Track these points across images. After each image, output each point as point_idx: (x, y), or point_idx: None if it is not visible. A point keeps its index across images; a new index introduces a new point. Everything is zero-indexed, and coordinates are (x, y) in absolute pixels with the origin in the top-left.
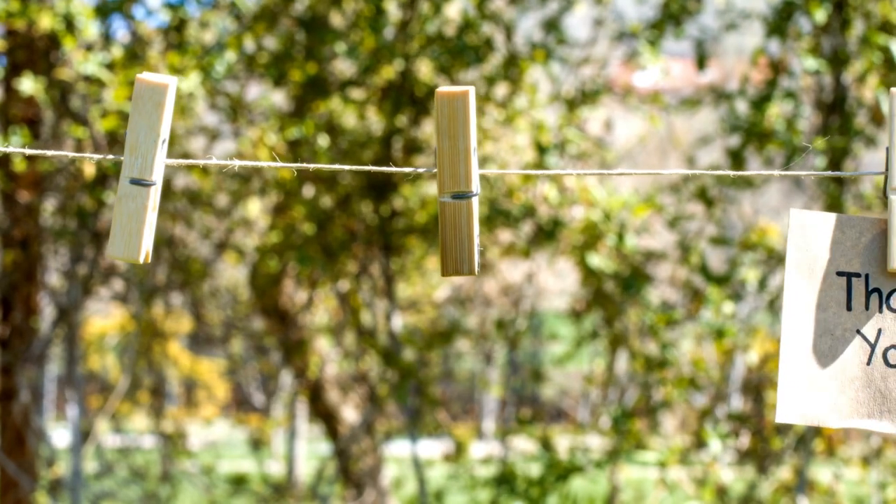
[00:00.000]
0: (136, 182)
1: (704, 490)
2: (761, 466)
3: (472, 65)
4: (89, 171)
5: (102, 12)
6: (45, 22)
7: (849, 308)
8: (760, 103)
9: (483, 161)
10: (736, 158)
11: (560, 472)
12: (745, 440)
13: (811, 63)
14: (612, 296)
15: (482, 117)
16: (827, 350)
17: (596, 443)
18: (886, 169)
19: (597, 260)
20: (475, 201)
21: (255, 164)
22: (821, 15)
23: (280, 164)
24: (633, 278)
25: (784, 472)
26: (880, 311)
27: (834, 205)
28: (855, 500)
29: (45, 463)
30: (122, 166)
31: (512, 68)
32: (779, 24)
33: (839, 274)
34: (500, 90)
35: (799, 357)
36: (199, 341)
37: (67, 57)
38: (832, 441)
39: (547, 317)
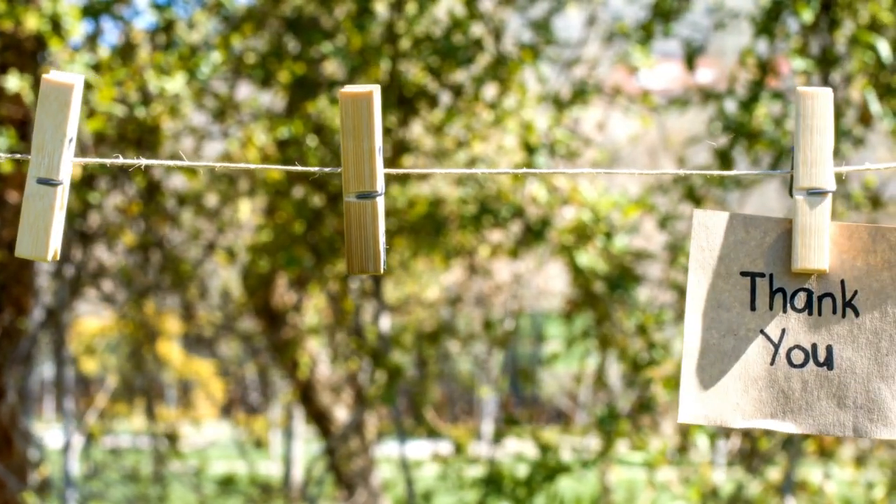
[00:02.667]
0: (43, 181)
1: (691, 490)
2: (750, 467)
3: (461, 65)
4: (75, 171)
5: (90, 13)
6: (32, 22)
7: (752, 308)
8: (748, 104)
9: (472, 161)
10: (724, 158)
11: (547, 472)
12: (735, 441)
13: (798, 63)
14: (601, 296)
15: (471, 117)
16: (730, 350)
17: (594, 443)
18: (792, 168)
19: (585, 259)
20: (380, 201)
21: (168, 163)
22: (807, 14)
23: (188, 163)
24: (622, 278)
25: (774, 473)
26: (784, 311)
27: None
28: (844, 501)
29: (33, 464)
30: (28, 166)
31: (501, 68)
32: (767, 24)
33: (743, 274)
34: (490, 91)
35: (702, 357)
36: (195, 342)
37: (53, 58)
38: (823, 442)
39: (544, 317)
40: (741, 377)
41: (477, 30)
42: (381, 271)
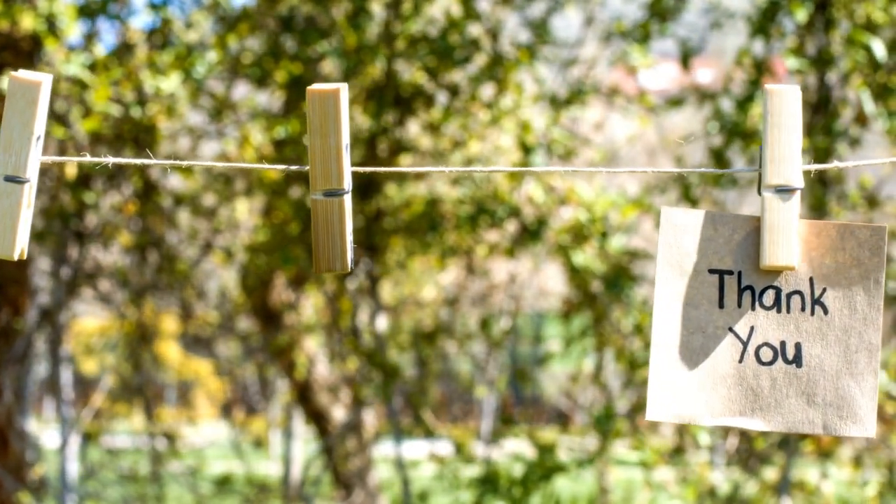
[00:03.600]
0: (11, 179)
1: (688, 490)
2: (746, 466)
3: (457, 65)
4: (71, 171)
5: (86, 13)
6: (27, 22)
7: (721, 306)
8: (743, 103)
9: (469, 161)
10: (719, 158)
11: (543, 471)
12: (733, 441)
13: (793, 62)
14: (599, 296)
15: (468, 117)
16: (698, 348)
17: (594, 443)
18: (760, 166)
19: (582, 258)
20: (347, 199)
21: (125, 160)
22: (801, 14)
23: (154, 160)
24: (619, 278)
25: (771, 473)
26: (753, 308)
27: (818, 205)
28: (841, 501)
29: (30, 464)
30: None
31: (497, 68)
32: (763, 24)
33: (711, 271)
34: (487, 90)
35: (670, 355)
36: (195, 342)
37: (49, 58)
38: (821, 441)
39: (543, 317)
40: (710, 375)
41: (474, 30)
42: (349, 270)
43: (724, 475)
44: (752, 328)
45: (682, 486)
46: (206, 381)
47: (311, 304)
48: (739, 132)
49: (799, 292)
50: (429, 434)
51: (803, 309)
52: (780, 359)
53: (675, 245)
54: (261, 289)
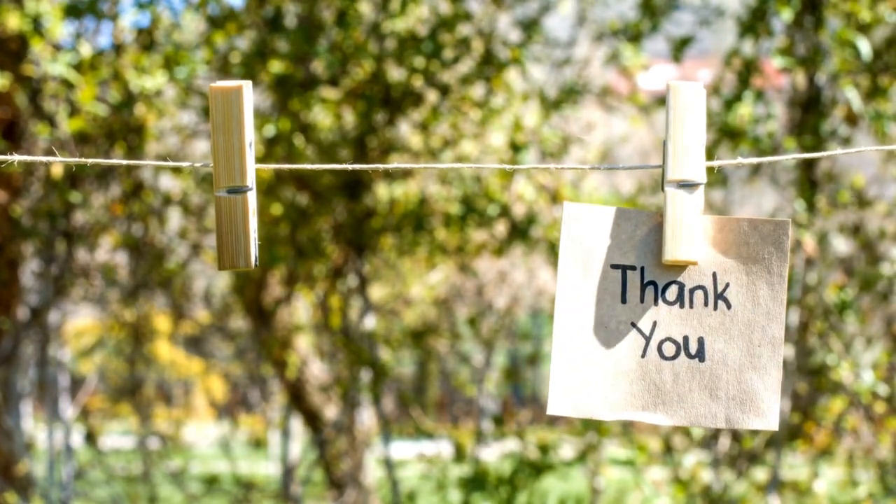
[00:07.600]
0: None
1: (676, 489)
2: (735, 466)
3: (447, 66)
4: (57, 171)
5: (73, 13)
6: (14, 22)
7: (623, 301)
8: (731, 102)
9: (459, 160)
10: (708, 156)
11: (530, 470)
12: (725, 441)
13: (779, 61)
14: None
15: (459, 116)
16: (601, 342)
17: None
18: (664, 162)
19: None
20: (251, 196)
21: (33, 158)
22: (787, 14)
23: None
24: None
25: (762, 473)
26: (655, 303)
27: (808, 205)
28: (833, 501)
29: (18, 463)
30: None
31: (488, 67)
32: (752, 24)
33: (614, 266)
34: (479, 90)
35: (572, 349)
36: (194, 342)
37: (35, 58)
38: (814, 440)
39: (540, 317)
40: (611, 370)
41: (465, 29)
42: (253, 267)
43: (715, 475)
44: (654, 323)
45: (674, 486)
46: (205, 381)
47: (302, 304)
48: (727, 131)
49: (702, 287)
50: (425, 434)
51: (706, 304)
52: (682, 353)
53: (578, 240)
54: (254, 288)
